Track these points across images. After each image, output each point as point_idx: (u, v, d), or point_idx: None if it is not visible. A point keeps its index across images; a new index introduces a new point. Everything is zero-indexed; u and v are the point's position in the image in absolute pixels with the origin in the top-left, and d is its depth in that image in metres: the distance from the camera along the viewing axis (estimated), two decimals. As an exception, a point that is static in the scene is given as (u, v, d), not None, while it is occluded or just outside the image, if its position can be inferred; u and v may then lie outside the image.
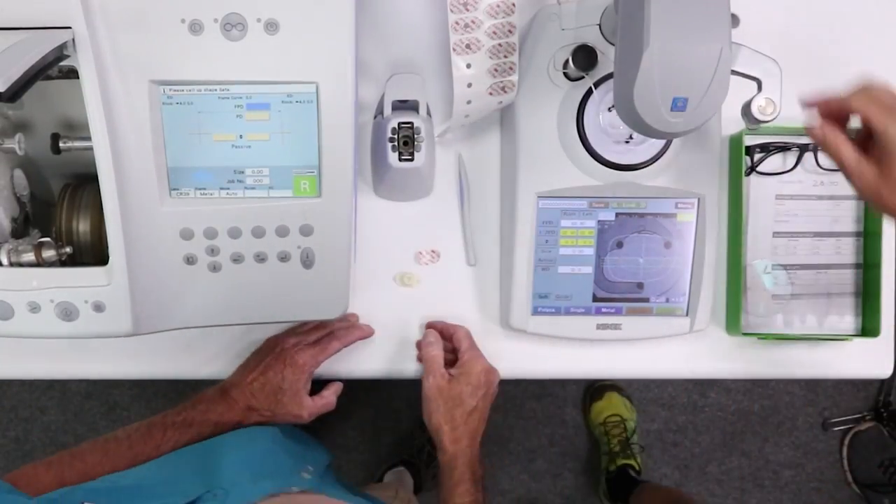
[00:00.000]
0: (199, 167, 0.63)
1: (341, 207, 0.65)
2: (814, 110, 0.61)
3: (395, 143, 0.70)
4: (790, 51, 0.83)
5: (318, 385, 0.78)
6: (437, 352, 0.77)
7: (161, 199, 0.63)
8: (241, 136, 0.63)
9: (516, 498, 1.67)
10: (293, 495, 0.60)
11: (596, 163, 0.74)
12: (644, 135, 0.65)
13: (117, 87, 0.59)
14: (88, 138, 0.58)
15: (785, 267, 0.83)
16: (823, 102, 0.61)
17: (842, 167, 0.59)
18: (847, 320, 0.83)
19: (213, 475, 0.61)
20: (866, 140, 0.58)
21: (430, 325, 0.81)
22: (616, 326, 0.79)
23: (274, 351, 0.76)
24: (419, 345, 0.80)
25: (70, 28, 0.55)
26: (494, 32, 0.68)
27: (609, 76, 0.72)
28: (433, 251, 0.82)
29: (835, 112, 0.60)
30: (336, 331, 0.78)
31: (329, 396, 0.77)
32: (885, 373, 0.84)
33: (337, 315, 0.70)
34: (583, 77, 0.73)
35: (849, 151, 0.58)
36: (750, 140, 0.80)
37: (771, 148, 0.81)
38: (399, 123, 0.70)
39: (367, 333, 0.80)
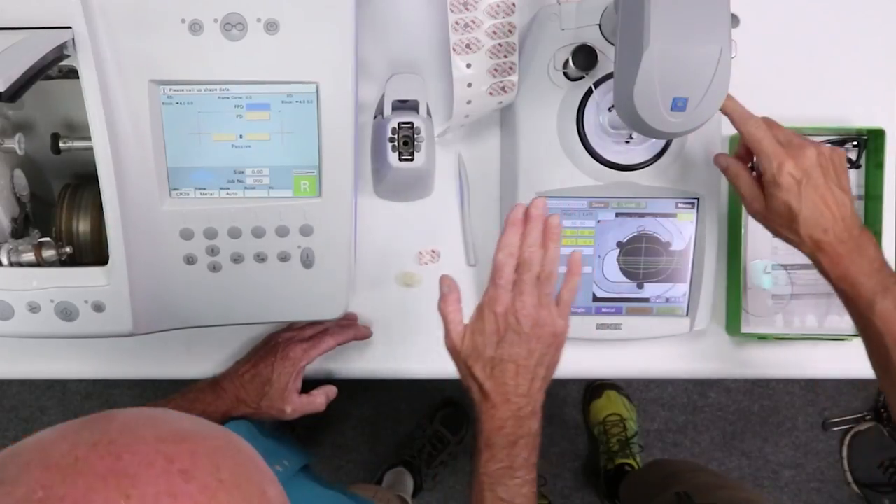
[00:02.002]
0: (199, 167, 0.63)
1: (341, 207, 0.65)
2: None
3: (395, 143, 0.70)
4: (790, 50, 0.83)
5: (314, 388, 0.78)
6: (445, 304, 0.66)
7: (161, 199, 0.63)
8: (241, 136, 0.63)
9: (516, 498, 1.67)
10: None
11: (596, 163, 0.74)
12: (644, 135, 0.65)
13: (117, 87, 0.59)
14: (88, 138, 0.58)
15: (785, 267, 0.83)
16: (726, 111, 0.66)
17: (739, 195, 0.69)
18: (847, 320, 0.82)
19: None
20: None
21: (511, 216, 0.66)
22: (616, 326, 0.79)
23: (268, 344, 0.76)
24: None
25: (70, 28, 0.55)
26: (494, 32, 0.68)
27: (609, 76, 0.72)
28: (433, 251, 0.82)
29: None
30: (331, 328, 0.78)
31: (317, 397, 0.76)
32: (885, 373, 0.84)
33: (337, 315, 0.70)
34: (583, 77, 0.73)
35: (746, 183, 0.67)
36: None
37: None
38: (399, 123, 0.70)
39: (363, 334, 0.79)
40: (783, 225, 0.65)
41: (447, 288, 0.67)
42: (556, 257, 0.65)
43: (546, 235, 0.65)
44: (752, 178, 0.67)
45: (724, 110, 0.66)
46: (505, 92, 0.72)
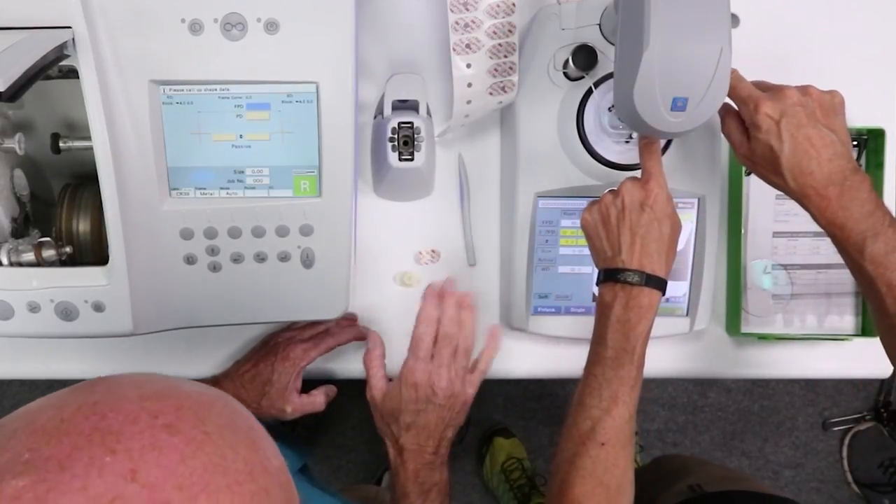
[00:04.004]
0: (199, 167, 0.63)
1: (341, 207, 0.65)
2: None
3: (395, 143, 0.70)
4: (790, 50, 0.83)
5: (314, 388, 0.78)
6: (369, 359, 0.74)
7: (161, 199, 0.63)
8: (241, 136, 0.63)
9: (516, 498, 1.67)
10: None
11: (596, 163, 0.74)
12: (644, 135, 0.65)
13: (117, 87, 0.59)
14: (88, 138, 0.58)
15: (785, 267, 0.83)
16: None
17: (730, 144, 0.67)
18: (847, 320, 0.83)
19: None
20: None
21: (426, 296, 0.75)
22: (616, 326, 0.78)
23: (268, 344, 0.76)
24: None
25: (70, 28, 0.55)
26: (494, 32, 0.68)
27: (609, 76, 0.72)
28: (433, 251, 0.82)
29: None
30: (331, 329, 0.78)
31: (317, 396, 0.76)
32: (885, 373, 0.84)
33: (337, 315, 0.70)
34: (583, 77, 0.73)
35: (735, 131, 0.66)
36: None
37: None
38: (399, 123, 0.70)
39: (363, 335, 0.79)
40: (768, 169, 0.63)
41: (372, 344, 0.75)
42: (472, 331, 0.73)
43: (462, 308, 0.73)
44: (740, 123, 0.65)
45: None
46: (505, 92, 0.72)
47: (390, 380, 0.75)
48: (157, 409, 0.32)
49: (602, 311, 0.64)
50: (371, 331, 0.76)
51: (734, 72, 0.63)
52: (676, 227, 0.64)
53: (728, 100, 0.63)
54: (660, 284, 0.62)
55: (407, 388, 0.71)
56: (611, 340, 0.62)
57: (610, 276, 0.63)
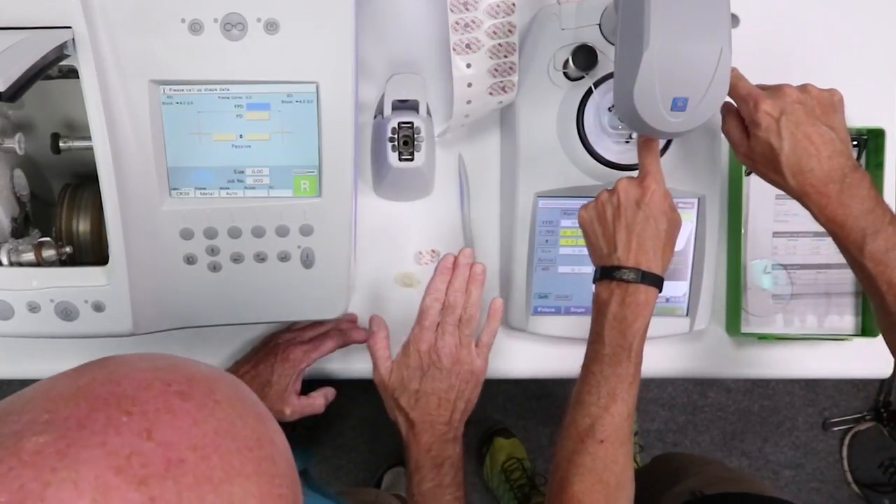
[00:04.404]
0: (199, 167, 0.63)
1: (341, 207, 0.65)
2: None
3: (395, 143, 0.70)
4: (790, 50, 0.83)
5: (313, 388, 0.78)
6: (374, 342, 0.72)
7: (161, 199, 0.63)
8: (241, 136, 0.63)
9: (516, 498, 1.67)
10: None
11: (596, 163, 0.74)
12: (643, 135, 0.65)
13: (117, 87, 0.58)
14: (88, 138, 0.58)
15: (785, 267, 0.83)
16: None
17: (730, 143, 0.67)
18: (847, 320, 0.83)
19: None
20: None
21: (440, 267, 0.72)
22: (616, 326, 0.78)
23: (268, 345, 0.76)
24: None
25: (70, 28, 0.55)
26: (494, 32, 0.68)
27: (609, 76, 0.72)
28: (433, 251, 0.82)
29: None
30: (331, 330, 0.78)
31: (316, 398, 0.76)
32: (885, 373, 0.84)
33: (337, 315, 0.70)
34: (583, 77, 0.73)
35: (735, 130, 0.66)
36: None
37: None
38: (399, 123, 0.70)
39: (363, 337, 0.79)
40: (768, 167, 0.63)
41: (376, 326, 0.73)
42: (477, 301, 0.71)
43: (470, 280, 0.71)
44: (739, 122, 0.65)
45: None
46: (505, 92, 0.72)
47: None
48: (169, 377, 0.34)
49: (599, 309, 0.64)
50: (374, 316, 0.74)
51: (734, 70, 0.63)
52: (674, 224, 0.64)
53: (728, 98, 0.63)
54: (656, 281, 0.62)
55: (412, 354, 0.70)
56: (608, 338, 0.62)
57: (606, 273, 0.63)
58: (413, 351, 0.70)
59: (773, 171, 0.63)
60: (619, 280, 0.62)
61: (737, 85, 0.63)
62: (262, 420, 0.36)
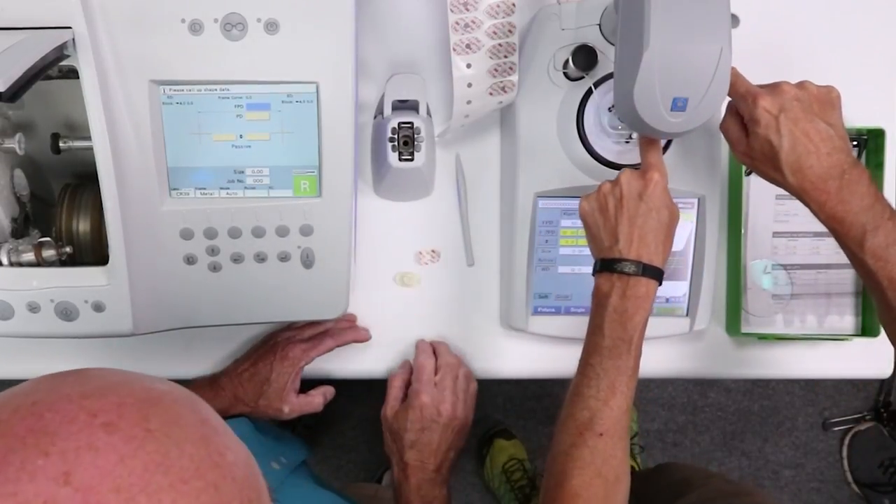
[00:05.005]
0: (199, 167, 0.63)
1: (341, 207, 0.65)
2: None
3: (395, 143, 0.70)
4: (790, 51, 0.83)
5: (313, 387, 0.78)
6: (393, 380, 0.78)
7: (161, 199, 0.63)
8: (241, 136, 0.63)
9: (516, 498, 1.67)
10: None
11: (596, 163, 0.74)
12: (644, 135, 0.65)
13: (117, 87, 0.58)
14: (88, 138, 0.58)
15: (785, 267, 0.83)
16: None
17: (727, 141, 0.67)
18: (847, 320, 0.83)
19: None
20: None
21: (419, 343, 0.81)
22: (616, 326, 0.78)
23: (267, 344, 0.76)
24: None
25: (70, 28, 0.55)
26: (494, 32, 0.68)
27: (609, 76, 0.72)
28: (433, 251, 0.82)
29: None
30: (331, 329, 0.78)
31: (315, 397, 0.77)
32: (885, 373, 0.84)
33: (337, 315, 0.70)
34: (583, 77, 0.73)
35: (734, 128, 0.65)
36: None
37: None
38: (399, 123, 0.70)
39: (362, 336, 0.79)
40: (767, 165, 0.63)
41: (401, 369, 0.80)
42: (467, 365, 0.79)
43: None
44: (738, 120, 0.65)
45: None
46: (505, 92, 0.72)
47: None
48: (96, 407, 0.31)
49: (599, 301, 0.63)
50: (406, 361, 0.81)
51: (732, 68, 0.63)
52: (674, 217, 0.64)
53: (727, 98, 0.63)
54: (657, 274, 0.62)
55: (413, 409, 0.74)
56: (608, 330, 0.62)
57: (607, 265, 0.63)
58: (415, 407, 0.74)
59: (772, 169, 0.63)
60: (621, 273, 0.62)
61: (735, 83, 0.63)
62: (206, 442, 0.33)
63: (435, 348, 0.80)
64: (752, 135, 0.63)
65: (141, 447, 0.30)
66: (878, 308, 0.64)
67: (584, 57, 0.71)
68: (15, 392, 0.33)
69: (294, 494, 0.69)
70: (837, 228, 0.62)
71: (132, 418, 0.31)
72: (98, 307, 0.62)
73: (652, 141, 0.65)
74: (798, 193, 0.63)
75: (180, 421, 0.33)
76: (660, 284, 0.63)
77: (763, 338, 0.82)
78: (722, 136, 0.77)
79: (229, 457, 0.33)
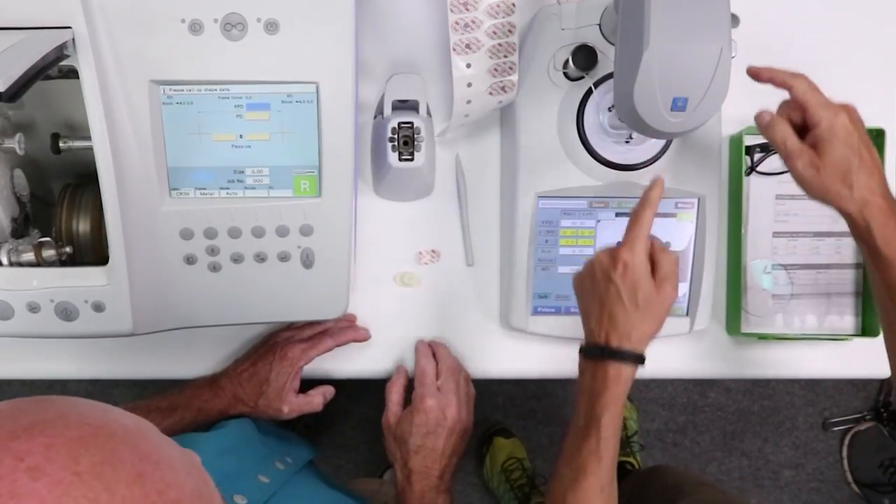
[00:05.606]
0: (199, 167, 0.63)
1: (341, 207, 0.65)
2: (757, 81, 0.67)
3: (395, 143, 0.70)
4: (790, 50, 0.83)
5: (312, 387, 0.78)
6: (391, 388, 0.78)
7: (161, 199, 0.63)
8: (241, 136, 0.63)
9: (516, 498, 1.67)
10: None
11: (596, 163, 0.74)
12: (644, 135, 0.65)
13: (117, 87, 0.59)
14: (88, 138, 0.58)
15: (785, 267, 0.83)
16: (768, 76, 0.65)
17: (784, 150, 0.64)
18: (847, 320, 0.83)
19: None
20: (798, 129, 0.64)
21: (419, 345, 0.80)
22: (616, 326, 0.78)
23: (266, 344, 0.76)
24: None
25: (70, 28, 0.55)
26: (494, 32, 0.68)
27: (609, 76, 0.72)
28: (433, 251, 0.82)
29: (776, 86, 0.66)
30: (330, 329, 0.78)
31: (314, 397, 0.77)
32: (885, 373, 0.84)
33: (337, 315, 0.70)
34: (583, 77, 0.73)
35: (792, 136, 0.63)
36: (750, 140, 0.80)
37: (771, 148, 0.81)
38: (399, 123, 0.70)
39: (362, 336, 0.79)
40: (838, 178, 0.61)
41: (397, 375, 0.79)
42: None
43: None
44: (794, 130, 0.64)
45: (763, 78, 0.65)
46: (505, 92, 0.72)
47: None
48: (24, 449, 0.30)
49: (578, 380, 0.64)
50: (399, 366, 0.80)
51: (806, 79, 0.63)
52: (652, 296, 0.61)
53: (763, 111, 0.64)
54: (625, 357, 0.61)
55: (419, 413, 0.73)
56: (581, 409, 0.63)
57: (583, 346, 0.65)
58: (421, 411, 0.73)
59: (841, 183, 0.61)
60: (587, 356, 0.63)
61: (816, 91, 0.62)
62: (142, 481, 0.31)
63: (435, 351, 0.79)
64: (828, 146, 0.61)
65: (66, 493, 0.29)
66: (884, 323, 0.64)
67: (584, 57, 0.71)
68: None
69: (298, 494, 0.69)
70: (890, 253, 0.61)
71: (60, 461, 0.30)
72: (98, 307, 0.62)
73: (637, 214, 0.63)
74: (857, 213, 0.62)
75: (114, 460, 0.31)
76: (639, 365, 0.62)
77: (763, 338, 0.82)
78: (722, 136, 0.77)
79: (171, 494, 0.32)
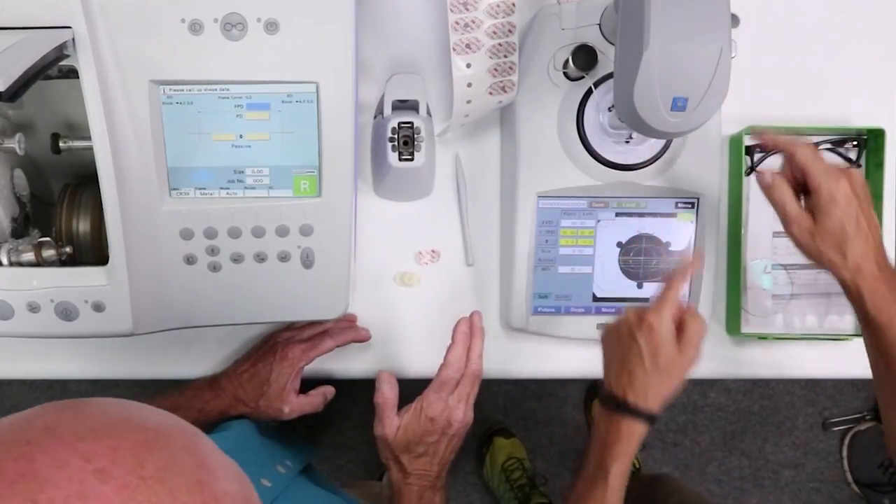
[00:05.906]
0: (199, 167, 0.63)
1: (341, 207, 0.65)
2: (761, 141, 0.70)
3: (395, 143, 0.70)
4: (790, 50, 0.83)
5: (313, 387, 0.78)
6: (382, 399, 0.72)
7: (161, 199, 0.63)
8: (241, 136, 0.63)
9: (516, 498, 1.67)
10: None
11: (596, 163, 0.74)
12: (644, 135, 0.65)
13: (117, 87, 0.58)
14: (88, 138, 0.58)
15: (785, 267, 0.83)
16: (773, 144, 0.68)
17: (783, 215, 0.65)
18: (847, 320, 0.83)
19: None
20: (798, 192, 0.65)
21: (458, 335, 0.73)
22: (616, 326, 0.79)
23: (267, 344, 0.76)
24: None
25: (70, 28, 0.55)
26: (494, 32, 0.68)
27: (609, 76, 0.72)
28: (433, 251, 0.82)
29: (777, 151, 0.68)
30: (331, 329, 0.78)
31: (315, 397, 0.76)
32: (885, 373, 0.84)
33: (337, 315, 0.70)
34: (583, 77, 0.73)
35: (792, 201, 0.65)
36: (750, 140, 0.80)
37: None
38: (399, 123, 0.70)
39: (362, 336, 0.79)
40: (832, 245, 0.63)
41: (387, 384, 0.73)
42: (482, 354, 0.74)
43: (476, 334, 0.73)
44: (794, 193, 0.65)
45: (770, 146, 0.67)
46: (505, 92, 0.72)
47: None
48: (90, 450, 0.30)
49: (594, 427, 0.66)
50: (384, 373, 0.73)
51: (809, 146, 0.64)
52: (675, 357, 0.63)
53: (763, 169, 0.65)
54: (640, 416, 0.64)
55: (424, 420, 0.71)
56: (591, 457, 0.65)
57: (601, 394, 0.66)
58: (427, 418, 0.70)
59: (834, 250, 0.63)
60: (605, 406, 0.65)
61: (818, 159, 0.63)
62: (201, 488, 0.32)
63: (472, 344, 0.72)
64: (826, 213, 0.62)
65: (132, 497, 0.29)
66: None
67: (584, 57, 0.71)
68: (13, 423, 0.32)
69: (299, 498, 0.69)
70: (884, 322, 0.62)
71: (126, 464, 0.30)
72: (98, 307, 0.62)
73: (672, 279, 0.65)
74: (851, 279, 0.63)
75: (175, 466, 0.32)
76: (651, 424, 0.64)
77: (763, 338, 0.82)
78: (722, 136, 0.77)
79: (226, 502, 0.33)
